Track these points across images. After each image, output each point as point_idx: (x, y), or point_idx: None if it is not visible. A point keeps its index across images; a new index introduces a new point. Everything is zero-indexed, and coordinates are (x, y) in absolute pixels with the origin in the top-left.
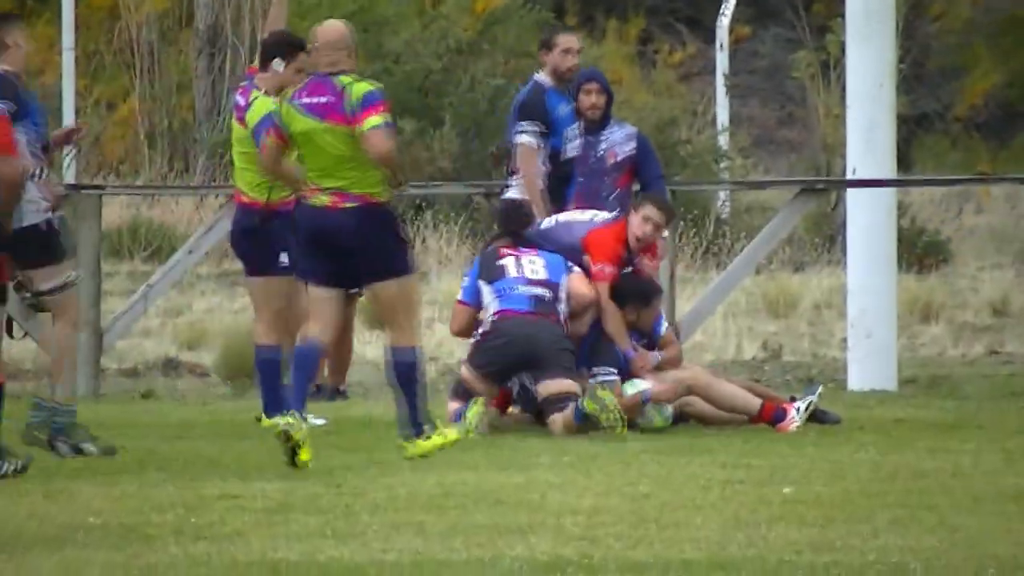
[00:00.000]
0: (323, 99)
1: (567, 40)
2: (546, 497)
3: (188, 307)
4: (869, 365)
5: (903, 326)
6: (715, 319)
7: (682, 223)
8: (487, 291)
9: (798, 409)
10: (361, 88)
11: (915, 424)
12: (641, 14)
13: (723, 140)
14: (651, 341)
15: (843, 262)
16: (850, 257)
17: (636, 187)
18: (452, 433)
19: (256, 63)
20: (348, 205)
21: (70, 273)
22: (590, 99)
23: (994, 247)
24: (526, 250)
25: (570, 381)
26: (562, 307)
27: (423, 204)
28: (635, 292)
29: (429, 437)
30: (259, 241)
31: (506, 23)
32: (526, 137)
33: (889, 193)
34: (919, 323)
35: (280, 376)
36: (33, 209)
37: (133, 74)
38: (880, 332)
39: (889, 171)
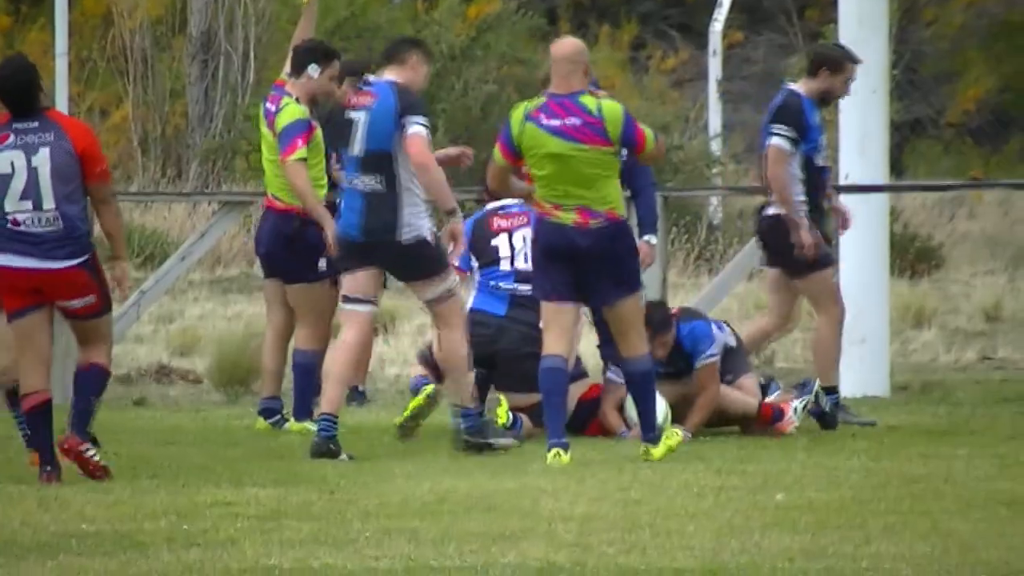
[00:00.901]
0: (574, 121)
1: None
2: (538, 503)
3: (181, 313)
4: (862, 371)
5: (896, 332)
6: None
7: (674, 228)
8: (476, 273)
9: (795, 409)
10: (615, 111)
11: (908, 430)
12: (634, 20)
13: (716, 146)
14: (687, 366)
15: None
16: (843, 262)
17: (627, 194)
18: (676, 435)
19: (285, 74)
20: (595, 222)
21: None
22: None
23: (987, 252)
24: (516, 214)
25: (523, 396)
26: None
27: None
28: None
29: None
30: (297, 248)
31: (499, 29)
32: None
33: (882, 198)
34: (912, 329)
35: (314, 381)
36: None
37: (126, 80)
38: (873, 338)
39: (882, 176)
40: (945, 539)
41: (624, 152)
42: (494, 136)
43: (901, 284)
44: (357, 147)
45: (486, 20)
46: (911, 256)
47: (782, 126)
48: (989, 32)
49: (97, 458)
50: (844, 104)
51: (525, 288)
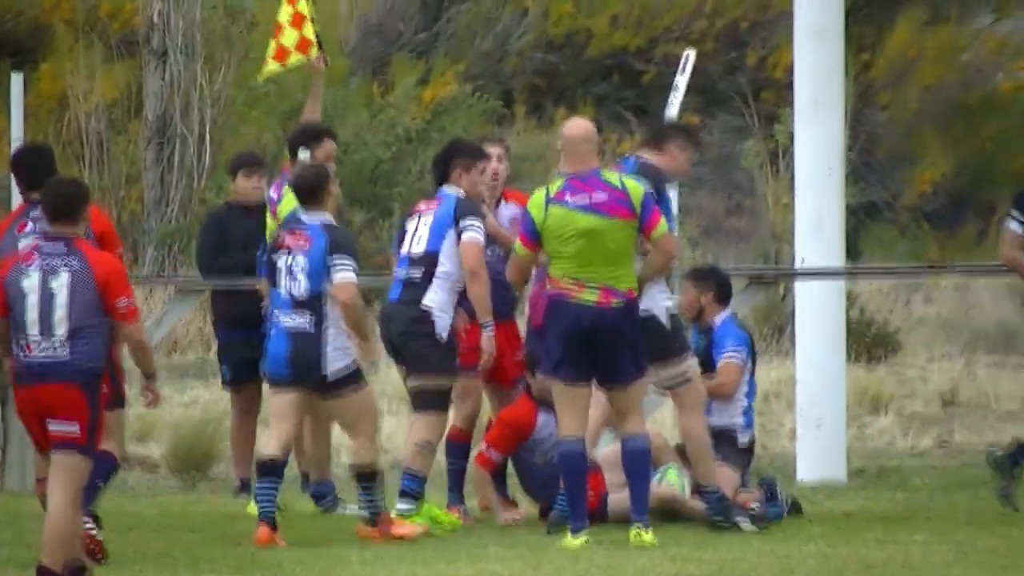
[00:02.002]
0: (600, 196)
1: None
2: None
3: (137, 399)
4: (818, 456)
5: (852, 416)
6: (664, 409)
7: None
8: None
9: (753, 509)
10: (637, 188)
11: (864, 516)
12: (590, 103)
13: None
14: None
15: (792, 352)
16: (799, 347)
17: None
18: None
19: (288, 161)
20: (616, 302)
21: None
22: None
23: (943, 337)
24: (433, 204)
25: (420, 377)
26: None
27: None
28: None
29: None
30: None
31: (454, 112)
32: None
33: (838, 283)
34: (868, 414)
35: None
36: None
37: (82, 164)
38: (829, 422)
39: (838, 259)
40: None
41: None
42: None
43: (857, 369)
44: None
45: (442, 103)
46: (867, 341)
47: None
48: (945, 115)
49: (99, 538)
50: (800, 184)
51: (413, 273)
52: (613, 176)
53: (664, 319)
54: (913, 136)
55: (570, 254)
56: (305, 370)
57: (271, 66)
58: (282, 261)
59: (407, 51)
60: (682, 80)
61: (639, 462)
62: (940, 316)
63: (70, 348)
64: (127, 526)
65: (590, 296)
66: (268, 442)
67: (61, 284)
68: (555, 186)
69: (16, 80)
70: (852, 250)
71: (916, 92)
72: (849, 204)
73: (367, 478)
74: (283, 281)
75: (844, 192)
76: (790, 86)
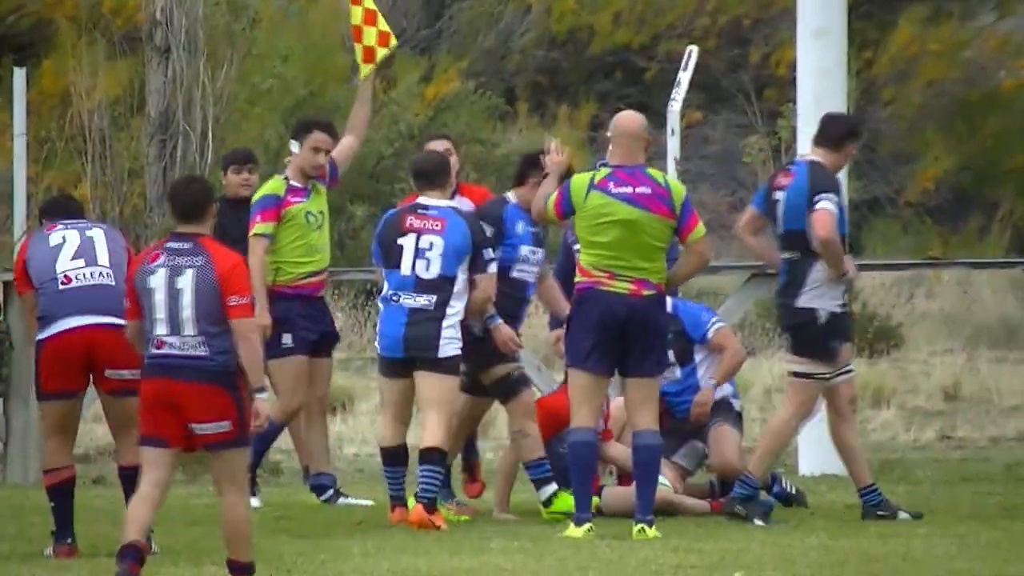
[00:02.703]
0: (644, 189)
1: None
2: None
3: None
4: (820, 450)
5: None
6: None
7: None
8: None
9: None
10: (680, 189)
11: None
12: (592, 100)
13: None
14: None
15: None
16: None
17: None
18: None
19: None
20: (647, 293)
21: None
22: None
23: (945, 332)
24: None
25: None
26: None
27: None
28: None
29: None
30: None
31: (457, 109)
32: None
33: None
34: (871, 408)
35: (265, 450)
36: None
37: (85, 160)
38: None
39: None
40: None
41: None
42: None
43: (860, 363)
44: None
45: (444, 100)
46: (870, 335)
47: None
48: (948, 111)
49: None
50: None
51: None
52: (658, 173)
53: (822, 320)
54: (916, 133)
55: (604, 243)
56: (419, 349)
57: (364, 70)
58: (409, 242)
59: (410, 48)
60: (685, 77)
61: (650, 459)
62: (942, 311)
63: (206, 346)
64: None
65: (623, 286)
66: (385, 432)
67: (187, 282)
68: (600, 174)
69: (19, 76)
70: (855, 245)
71: (918, 89)
72: (851, 199)
73: (431, 460)
74: (408, 261)
75: (847, 188)
76: (793, 83)
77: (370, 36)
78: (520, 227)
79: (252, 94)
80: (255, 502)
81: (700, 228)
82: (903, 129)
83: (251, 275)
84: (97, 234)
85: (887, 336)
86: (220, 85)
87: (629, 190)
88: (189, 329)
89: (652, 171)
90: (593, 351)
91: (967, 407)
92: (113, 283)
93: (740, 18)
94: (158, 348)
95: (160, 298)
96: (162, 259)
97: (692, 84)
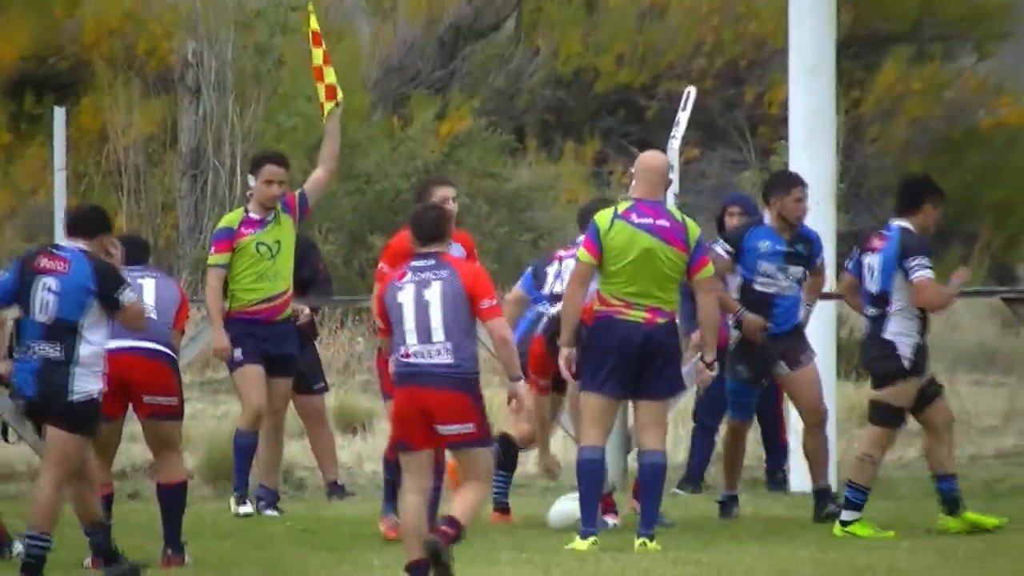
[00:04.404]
0: (663, 222)
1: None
2: None
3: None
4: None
5: (842, 431)
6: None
7: None
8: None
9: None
10: (695, 228)
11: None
12: (597, 136)
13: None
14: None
15: None
16: None
17: None
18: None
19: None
20: (661, 320)
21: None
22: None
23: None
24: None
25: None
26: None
27: None
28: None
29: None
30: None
31: (470, 145)
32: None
33: (829, 305)
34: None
35: (247, 461)
36: None
37: (120, 194)
38: None
39: (829, 285)
40: None
41: None
42: None
43: (847, 385)
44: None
45: (458, 137)
46: (856, 360)
47: None
48: (931, 148)
49: None
50: None
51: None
52: (676, 211)
53: (905, 351)
54: (900, 168)
55: (623, 272)
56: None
57: (328, 106)
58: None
59: (425, 88)
60: (683, 116)
61: (655, 477)
62: None
63: (451, 354)
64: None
65: (638, 315)
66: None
67: (434, 293)
68: (623, 206)
69: (59, 114)
70: (842, 276)
71: (903, 127)
72: (839, 232)
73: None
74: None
75: (835, 221)
76: (785, 121)
77: (330, 75)
78: None
79: (278, 132)
80: (246, 509)
81: (709, 267)
82: (889, 164)
83: (208, 303)
84: (148, 283)
85: None
86: (248, 123)
87: (649, 221)
88: (437, 336)
89: (671, 207)
90: (610, 376)
91: None
92: (155, 317)
93: (736, 59)
94: (406, 358)
95: (409, 311)
96: (409, 276)
97: (690, 122)
